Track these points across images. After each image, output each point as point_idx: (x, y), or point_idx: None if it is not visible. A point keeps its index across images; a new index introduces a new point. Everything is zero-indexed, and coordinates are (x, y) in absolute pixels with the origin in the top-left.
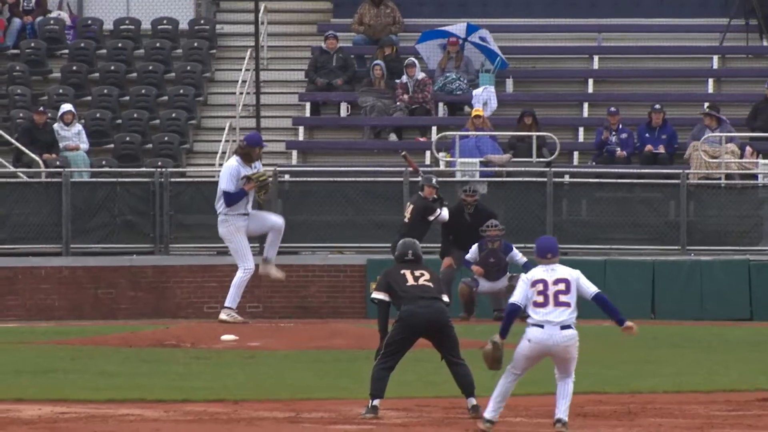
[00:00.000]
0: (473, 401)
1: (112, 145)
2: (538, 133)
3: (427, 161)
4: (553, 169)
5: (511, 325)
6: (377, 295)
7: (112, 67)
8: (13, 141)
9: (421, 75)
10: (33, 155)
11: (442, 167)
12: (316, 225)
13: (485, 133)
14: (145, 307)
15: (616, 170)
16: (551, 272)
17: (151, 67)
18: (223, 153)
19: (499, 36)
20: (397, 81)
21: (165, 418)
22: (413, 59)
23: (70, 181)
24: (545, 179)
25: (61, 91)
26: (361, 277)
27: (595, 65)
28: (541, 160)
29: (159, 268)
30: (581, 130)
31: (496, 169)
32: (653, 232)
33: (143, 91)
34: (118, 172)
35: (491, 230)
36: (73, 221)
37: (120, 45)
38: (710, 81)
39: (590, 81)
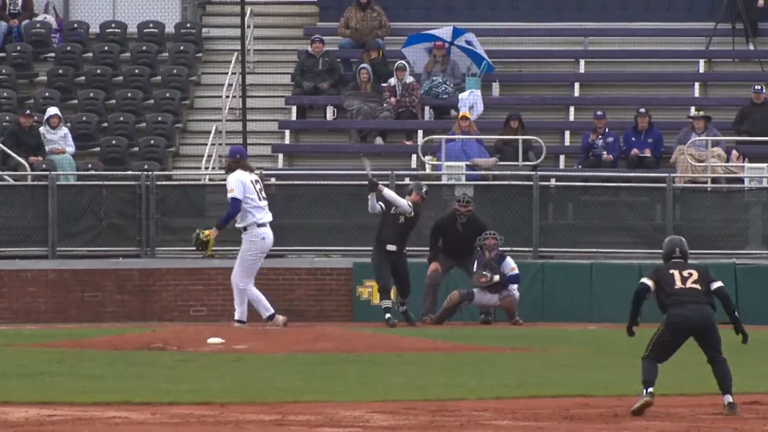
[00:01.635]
0: (729, 398)
1: (98, 149)
2: (524, 137)
3: (413, 165)
4: (539, 173)
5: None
6: (646, 280)
7: (99, 71)
8: None
9: (409, 79)
10: (19, 158)
11: (428, 171)
12: (303, 228)
13: (471, 136)
14: (132, 310)
15: (602, 174)
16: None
17: (137, 71)
18: (209, 156)
19: (486, 40)
20: (385, 84)
21: (151, 421)
22: (403, 62)
23: (56, 185)
24: (531, 183)
25: (47, 94)
26: (348, 280)
27: (582, 69)
28: (528, 163)
29: (145, 271)
30: (567, 133)
31: (483, 172)
32: (640, 236)
33: (129, 94)
34: (104, 176)
35: (489, 238)
36: (59, 224)
37: (106, 48)
38: (696, 85)
39: (576, 85)
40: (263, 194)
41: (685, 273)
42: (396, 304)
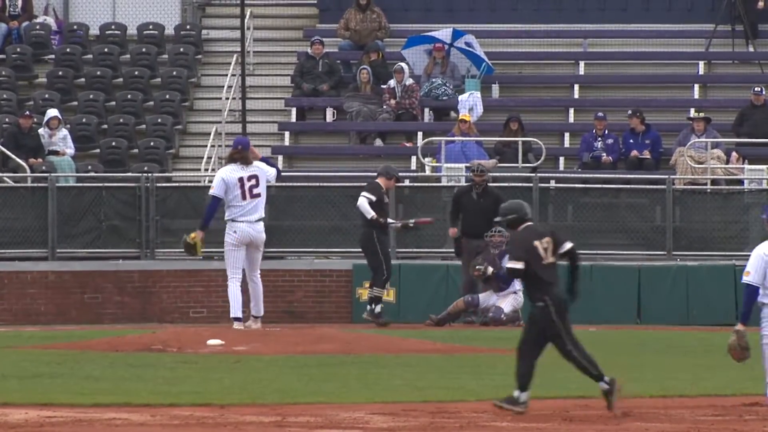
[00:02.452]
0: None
1: (98, 150)
2: (524, 139)
3: (413, 166)
4: (539, 175)
5: (752, 307)
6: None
7: (98, 73)
8: None
9: (409, 81)
10: (19, 160)
11: (428, 172)
12: (302, 230)
13: (471, 138)
14: (132, 312)
15: (602, 176)
16: None
17: (137, 73)
18: (209, 158)
19: (485, 41)
20: (384, 86)
21: (152, 422)
22: (401, 65)
23: (56, 186)
24: (531, 185)
25: (47, 96)
26: (348, 282)
27: (581, 71)
28: (527, 165)
29: (145, 273)
30: (567, 135)
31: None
32: (639, 238)
33: (129, 96)
34: (104, 177)
35: (495, 236)
36: (59, 226)
37: (106, 50)
38: (696, 87)
39: (576, 87)
40: (254, 191)
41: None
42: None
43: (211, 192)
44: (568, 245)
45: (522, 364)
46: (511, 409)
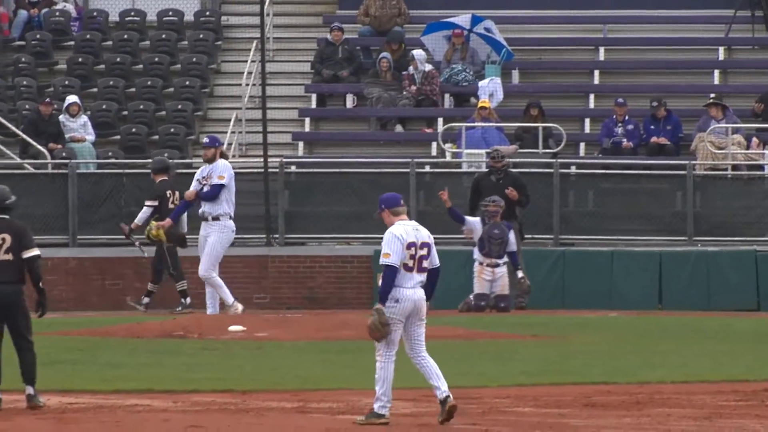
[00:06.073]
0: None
1: (118, 137)
2: (544, 125)
3: (434, 152)
4: (559, 161)
5: None
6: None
7: (118, 59)
8: (19, 132)
9: (428, 67)
10: (39, 147)
11: (448, 158)
12: (323, 216)
13: (491, 124)
14: (153, 298)
15: (622, 161)
16: None
17: (156, 59)
18: (229, 144)
19: (505, 27)
20: (404, 72)
21: (173, 409)
22: (416, 53)
23: (77, 173)
24: (552, 170)
25: (67, 82)
26: (368, 267)
27: (601, 56)
28: (548, 151)
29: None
30: (587, 121)
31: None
32: (660, 223)
33: (149, 82)
34: (124, 164)
35: (491, 206)
36: (80, 212)
37: (126, 37)
38: (716, 72)
39: (596, 72)
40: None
41: None
42: None
43: (222, 182)
44: None
45: None
46: None
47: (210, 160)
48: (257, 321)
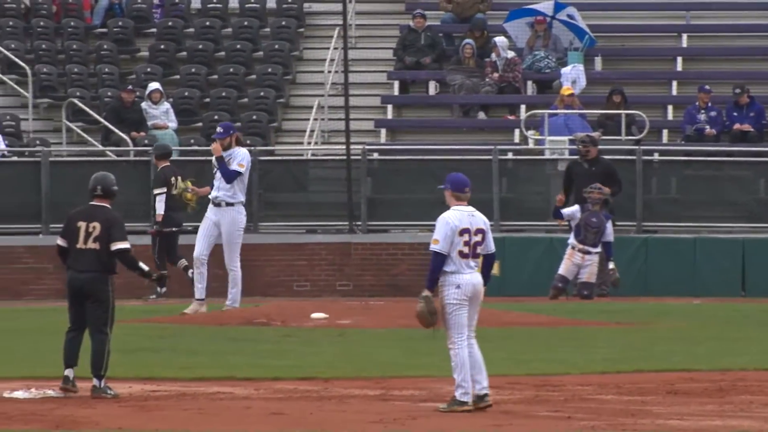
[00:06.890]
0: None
1: (200, 124)
2: (626, 111)
3: (516, 139)
4: (642, 147)
5: None
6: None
7: (200, 46)
8: (101, 120)
9: (510, 54)
10: (121, 134)
11: (530, 145)
12: (405, 203)
13: (574, 111)
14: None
15: (705, 148)
16: None
17: (239, 46)
18: (312, 131)
19: (587, 14)
20: (487, 60)
21: (255, 396)
22: (496, 40)
23: None
24: (634, 157)
25: (148, 69)
26: None
27: (684, 43)
28: (631, 138)
29: (249, 247)
30: (670, 108)
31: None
32: (743, 210)
33: (231, 69)
34: (206, 151)
35: (594, 193)
36: None
37: (208, 24)
38: None
39: (679, 59)
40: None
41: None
42: None
43: (242, 170)
44: None
45: None
46: None
47: (226, 148)
48: (340, 308)
